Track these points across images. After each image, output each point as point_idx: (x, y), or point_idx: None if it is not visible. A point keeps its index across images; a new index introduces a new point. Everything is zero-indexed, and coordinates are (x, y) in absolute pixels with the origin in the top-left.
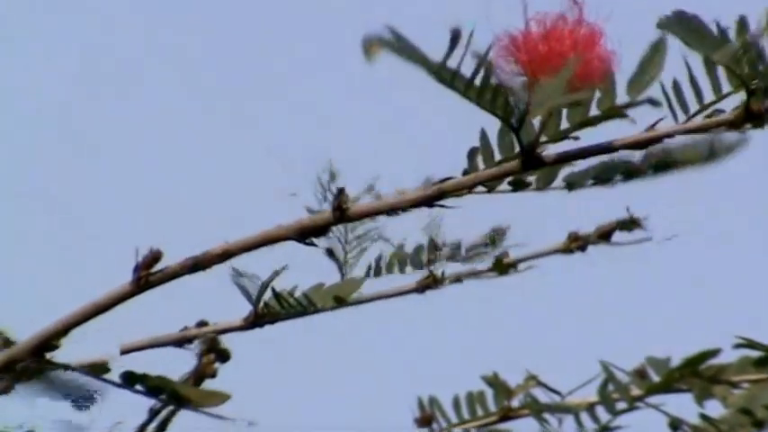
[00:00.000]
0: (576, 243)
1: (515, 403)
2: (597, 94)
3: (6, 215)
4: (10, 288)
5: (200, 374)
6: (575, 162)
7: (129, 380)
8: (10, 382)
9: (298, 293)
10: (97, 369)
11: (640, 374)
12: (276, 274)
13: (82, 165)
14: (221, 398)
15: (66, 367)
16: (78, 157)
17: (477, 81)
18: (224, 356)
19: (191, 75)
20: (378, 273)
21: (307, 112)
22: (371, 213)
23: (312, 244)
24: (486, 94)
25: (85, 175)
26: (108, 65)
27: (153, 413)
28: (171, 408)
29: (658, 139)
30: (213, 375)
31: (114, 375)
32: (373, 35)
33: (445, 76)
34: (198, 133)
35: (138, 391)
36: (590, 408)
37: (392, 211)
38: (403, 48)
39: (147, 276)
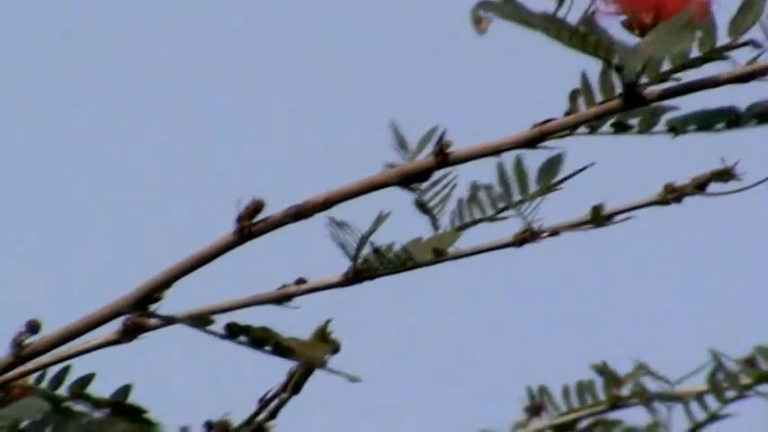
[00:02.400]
0: (673, 194)
1: (624, 392)
2: (698, 35)
3: (111, 167)
4: (113, 240)
5: (309, 365)
6: (677, 101)
7: (233, 331)
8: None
9: (396, 248)
10: (200, 321)
11: (750, 363)
12: (375, 227)
13: (184, 114)
14: (324, 348)
15: (168, 319)
16: (180, 107)
17: (581, 29)
18: (334, 347)
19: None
20: (462, 220)
21: (406, 67)
22: (473, 157)
23: (414, 189)
24: (589, 39)
25: (187, 126)
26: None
27: (263, 402)
28: (304, 370)
29: (762, 72)
30: (323, 366)
31: (218, 327)
32: (479, 5)
33: (552, 29)
34: (299, 84)
35: (241, 343)
36: (699, 396)
37: (494, 153)
38: (511, 11)
39: (250, 226)
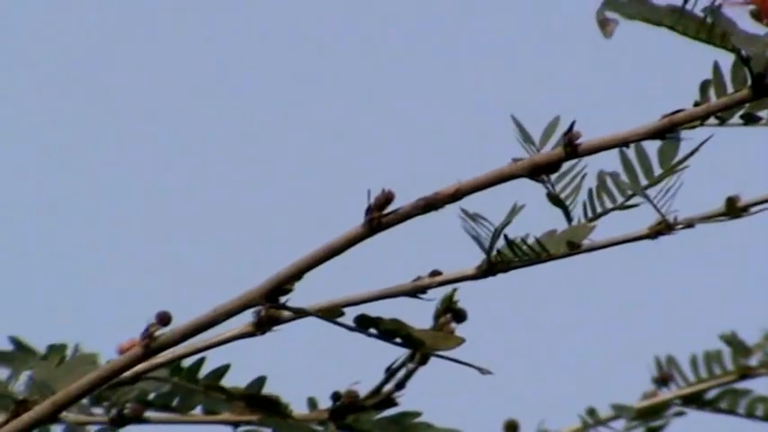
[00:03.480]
0: None
1: (753, 362)
2: None
3: (242, 159)
4: (243, 232)
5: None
6: None
7: (363, 323)
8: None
9: (530, 240)
10: (331, 313)
11: None
12: (509, 219)
13: (315, 107)
14: (455, 341)
15: (299, 311)
16: (312, 100)
17: (708, 21)
18: (460, 317)
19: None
20: (594, 210)
21: (536, 60)
22: (602, 148)
23: (544, 181)
24: (716, 32)
25: (318, 118)
26: None
27: (390, 372)
28: (411, 366)
29: None
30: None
31: (348, 319)
32: (603, 6)
33: (678, 25)
34: (430, 76)
35: (371, 335)
36: None
37: (623, 144)
38: (635, 10)
39: (380, 218)
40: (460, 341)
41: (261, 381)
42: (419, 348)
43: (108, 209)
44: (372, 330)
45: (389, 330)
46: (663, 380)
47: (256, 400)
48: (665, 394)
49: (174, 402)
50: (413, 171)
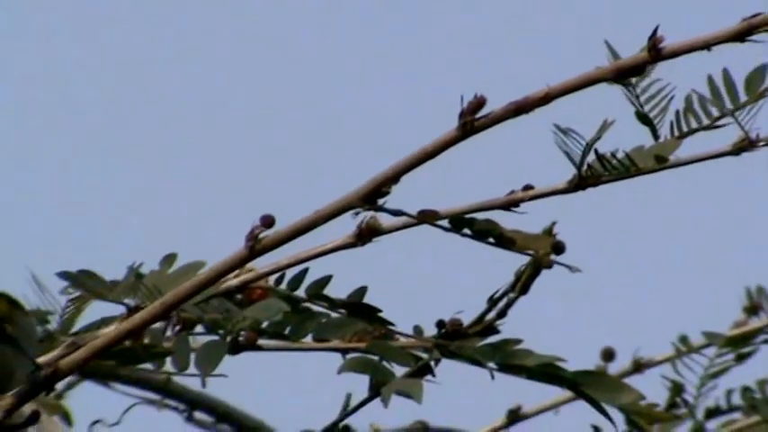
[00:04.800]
0: None
1: None
2: None
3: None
4: (344, 137)
5: (536, 265)
6: None
7: (457, 224)
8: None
9: (620, 154)
10: (427, 216)
11: None
12: (600, 134)
13: (412, 19)
14: (546, 241)
15: (396, 213)
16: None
17: None
18: (559, 249)
19: None
20: (680, 129)
21: None
22: (685, 51)
23: (629, 84)
24: None
25: (413, 30)
26: None
27: (492, 302)
28: (532, 270)
29: None
30: (549, 267)
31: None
32: None
33: None
34: None
35: (465, 235)
36: None
37: (704, 47)
38: None
39: (473, 122)
40: (551, 241)
41: (362, 290)
42: (510, 247)
43: (213, 118)
44: (466, 231)
45: (482, 230)
46: (753, 309)
47: (358, 308)
48: (755, 323)
49: (287, 330)
50: (503, 79)
